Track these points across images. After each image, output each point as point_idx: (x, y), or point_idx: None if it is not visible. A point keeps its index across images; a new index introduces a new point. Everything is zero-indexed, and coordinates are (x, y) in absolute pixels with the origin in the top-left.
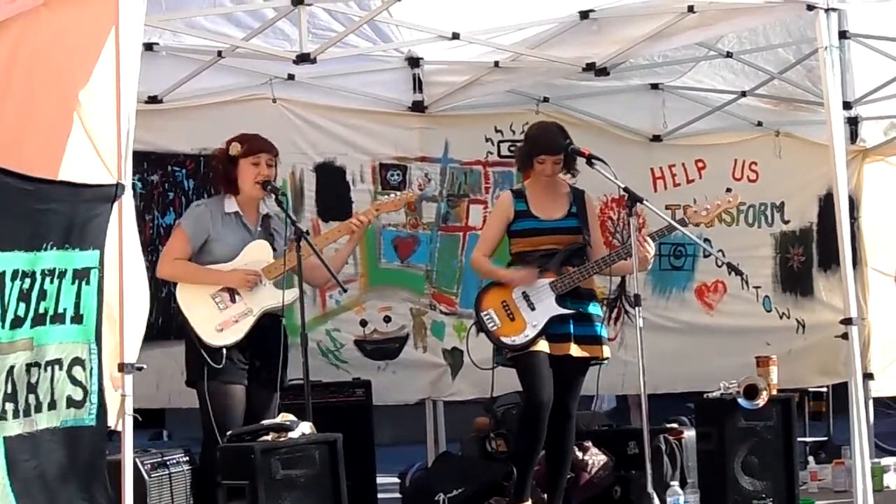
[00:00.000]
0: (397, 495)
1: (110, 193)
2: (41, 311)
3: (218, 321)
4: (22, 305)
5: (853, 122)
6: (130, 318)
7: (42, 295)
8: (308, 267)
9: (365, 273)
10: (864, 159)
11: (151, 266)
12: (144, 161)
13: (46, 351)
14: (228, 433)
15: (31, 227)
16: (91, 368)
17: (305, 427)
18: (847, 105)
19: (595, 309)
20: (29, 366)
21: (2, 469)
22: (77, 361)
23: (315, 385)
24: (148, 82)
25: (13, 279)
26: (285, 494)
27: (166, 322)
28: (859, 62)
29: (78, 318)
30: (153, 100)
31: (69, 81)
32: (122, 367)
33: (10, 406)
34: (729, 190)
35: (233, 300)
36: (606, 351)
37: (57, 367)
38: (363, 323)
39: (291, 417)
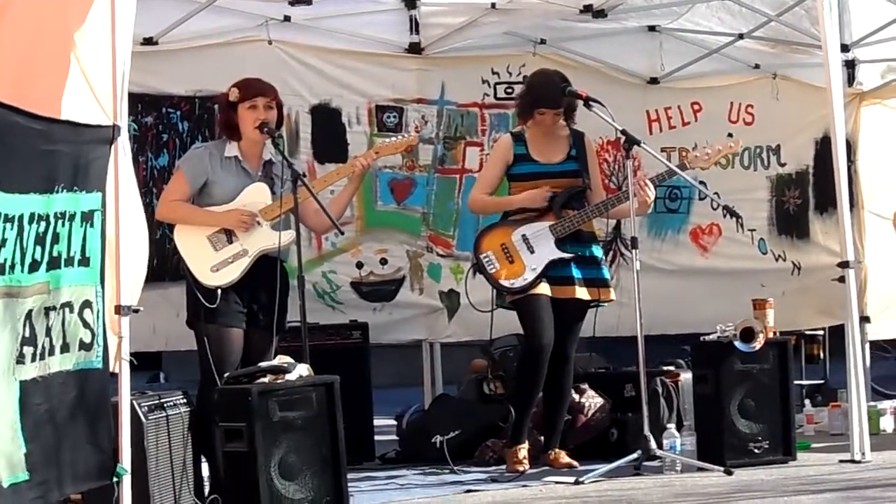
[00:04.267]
0: (394, 437)
1: (108, 135)
2: (55, 254)
3: (213, 262)
4: (38, 249)
5: (850, 65)
6: (129, 261)
7: (55, 238)
8: (310, 212)
9: (361, 215)
10: (861, 102)
11: (146, 208)
12: (139, 103)
13: (60, 294)
14: (226, 375)
15: (43, 169)
16: (98, 311)
17: (303, 369)
18: (844, 48)
19: (598, 251)
20: (47, 309)
21: (15, 413)
22: (87, 304)
23: (312, 327)
24: (143, 24)
25: (31, 222)
26: (282, 436)
27: (161, 264)
28: (857, 5)
29: (85, 261)
30: (148, 41)
31: (65, 22)
32: (118, 310)
33: (28, 350)
34: (730, 135)
35: (229, 241)
36: (611, 293)
37: (68, 310)
38: (359, 265)
39: (289, 360)
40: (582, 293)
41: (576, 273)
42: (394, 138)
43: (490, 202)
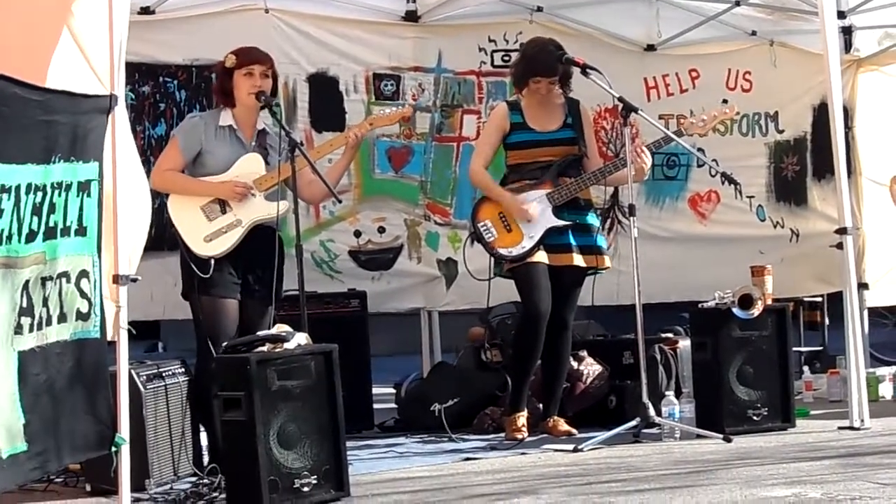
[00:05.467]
0: (393, 405)
1: (105, 105)
2: (51, 224)
3: (206, 232)
4: (35, 219)
5: (847, 32)
6: (128, 230)
7: (52, 208)
8: (304, 182)
9: (359, 184)
10: (858, 69)
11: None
12: (136, 72)
13: (57, 264)
14: (224, 344)
15: (40, 140)
16: (95, 280)
17: (301, 338)
18: (841, 14)
19: (593, 219)
20: (43, 279)
21: (14, 384)
22: (83, 274)
23: (310, 296)
24: None
25: (27, 193)
26: (281, 405)
27: (159, 233)
28: None
29: (82, 231)
30: (145, 11)
31: None
32: (116, 279)
33: (26, 320)
34: (725, 101)
35: (223, 211)
36: (607, 261)
37: (65, 280)
38: (357, 233)
39: (287, 328)
40: (579, 260)
41: (573, 240)
42: (388, 110)
43: (483, 183)
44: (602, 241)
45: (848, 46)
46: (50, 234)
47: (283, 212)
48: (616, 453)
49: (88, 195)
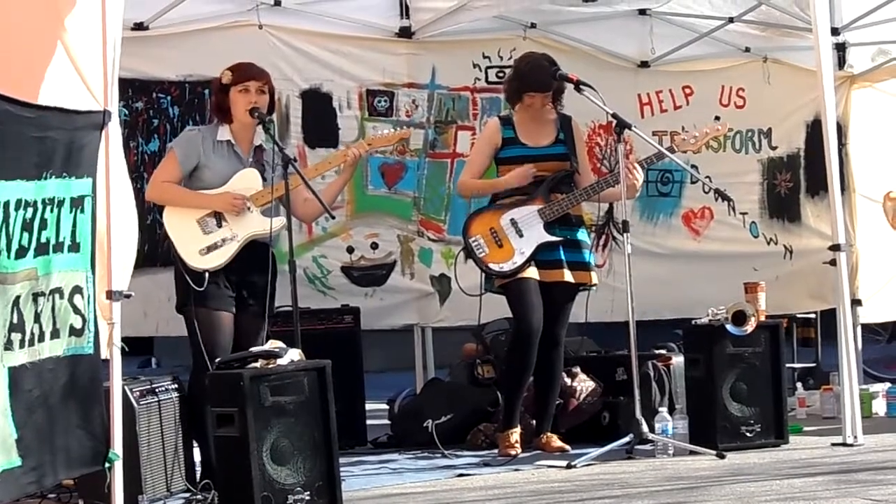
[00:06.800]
0: (386, 421)
1: (99, 120)
2: (43, 240)
3: (202, 245)
4: (25, 235)
5: (841, 48)
6: (119, 247)
7: (43, 224)
8: (299, 201)
9: (352, 200)
10: (851, 85)
11: (137, 193)
12: (129, 88)
13: (50, 280)
14: (217, 360)
15: (32, 156)
16: (88, 296)
17: (294, 354)
18: (835, 31)
19: (583, 236)
20: (35, 295)
21: (5, 400)
22: (77, 290)
23: (304, 312)
24: (134, 9)
25: (17, 209)
26: (274, 421)
27: (152, 249)
28: None
29: (75, 247)
30: (139, 27)
31: (55, 7)
32: (109, 295)
33: (16, 336)
34: (718, 118)
35: (219, 225)
36: (594, 277)
37: (58, 296)
38: (350, 250)
39: (280, 344)
40: (569, 276)
41: (563, 256)
42: (387, 131)
43: (478, 184)
44: (591, 257)
45: (841, 63)
46: (42, 249)
47: (279, 228)
48: (609, 469)
49: (82, 211)
